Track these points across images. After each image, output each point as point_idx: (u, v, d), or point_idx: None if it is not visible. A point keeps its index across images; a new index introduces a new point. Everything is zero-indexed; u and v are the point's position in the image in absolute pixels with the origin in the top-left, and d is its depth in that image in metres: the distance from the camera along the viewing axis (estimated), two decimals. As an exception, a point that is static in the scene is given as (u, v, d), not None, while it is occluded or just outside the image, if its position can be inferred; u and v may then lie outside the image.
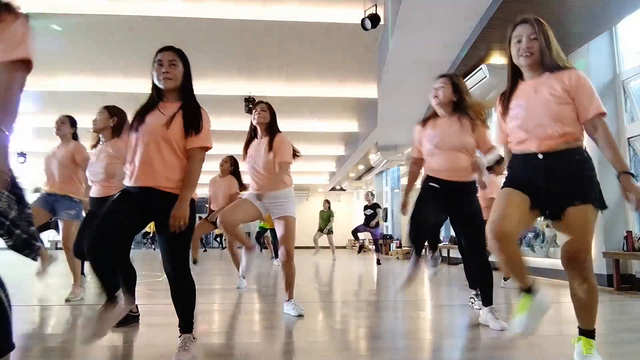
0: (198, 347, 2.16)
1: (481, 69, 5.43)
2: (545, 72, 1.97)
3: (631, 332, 2.88)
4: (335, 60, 7.43)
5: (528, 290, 1.90)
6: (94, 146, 3.29)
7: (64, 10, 5.84)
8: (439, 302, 4.13)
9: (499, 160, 4.22)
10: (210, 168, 5.64)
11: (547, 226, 6.20)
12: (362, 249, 14.23)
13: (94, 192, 3.21)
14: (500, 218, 1.83)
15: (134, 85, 8.05)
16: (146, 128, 2.09)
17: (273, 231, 9.27)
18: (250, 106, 8.94)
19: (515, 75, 2.06)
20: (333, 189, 20.25)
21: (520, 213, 1.88)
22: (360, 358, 2.30)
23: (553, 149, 1.88)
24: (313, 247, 10.87)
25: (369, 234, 10.15)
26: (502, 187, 1.98)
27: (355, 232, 9.92)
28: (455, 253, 8.91)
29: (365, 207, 9.56)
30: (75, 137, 4.09)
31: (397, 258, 11.62)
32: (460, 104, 2.81)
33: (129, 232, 2.11)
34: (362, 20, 5.54)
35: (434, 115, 2.91)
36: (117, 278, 2.09)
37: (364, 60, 7.30)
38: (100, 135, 3.24)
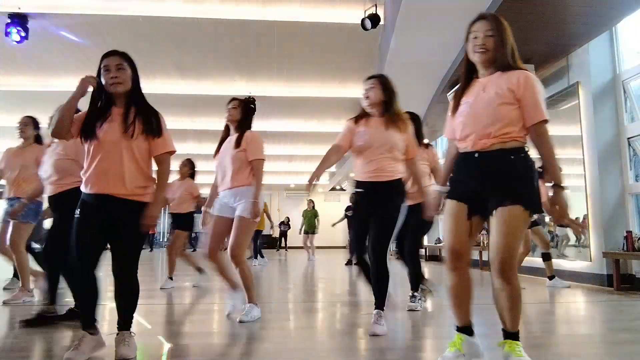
0: (190, 348, 2.16)
1: (481, 69, 5.43)
2: (497, 70, 1.95)
3: (631, 332, 2.87)
4: (335, 60, 7.43)
5: (464, 329, 1.93)
6: (49, 145, 3.28)
7: (64, 10, 5.84)
8: (439, 302, 4.13)
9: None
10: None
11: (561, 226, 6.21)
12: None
13: (48, 191, 3.13)
14: (454, 240, 1.90)
15: (134, 85, 8.02)
16: (105, 136, 2.09)
17: (257, 232, 9.28)
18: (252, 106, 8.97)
19: (470, 72, 2.05)
20: (333, 189, 20.25)
21: (467, 228, 1.92)
22: (360, 358, 2.30)
23: (488, 149, 1.88)
24: (316, 248, 10.84)
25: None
26: (447, 197, 2.01)
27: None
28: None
29: (348, 208, 9.52)
30: (38, 138, 4.04)
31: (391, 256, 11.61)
32: (390, 104, 2.85)
33: (101, 250, 2.16)
34: (362, 20, 5.53)
35: (365, 114, 2.90)
36: (97, 303, 2.15)
37: (364, 60, 7.30)
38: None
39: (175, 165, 5.54)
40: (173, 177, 5.35)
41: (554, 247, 6.22)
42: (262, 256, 9.36)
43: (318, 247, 11.40)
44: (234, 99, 3.27)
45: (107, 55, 2.21)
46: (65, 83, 8.07)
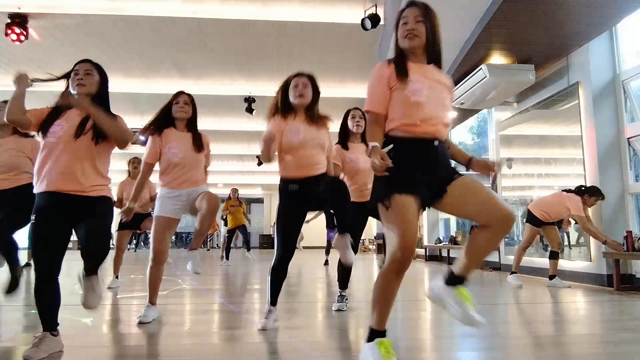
0: (186, 348, 2.16)
1: (481, 69, 5.43)
2: (431, 63, 1.98)
3: (631, 332, 2.87)
4: (335, 60, 7.43)
5: (384, 333, 1.85)
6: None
7: (64, 10, 5.84)
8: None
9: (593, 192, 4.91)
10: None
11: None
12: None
13: (2, 185, 3.15)
14: (411, 239, 1.79)
15: (134, 85, 8.06)
16: (62, 135, 2.17)
17: (231, 232, 9.48)
18: (253, 107, 8.97)
19: (402, 56, 1.98)
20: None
21: (417, 226, 1.90)
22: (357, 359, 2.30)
23: (443, 137, 1.93)
24: (316, 247, 10.88)
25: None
26: (393, 189, 1.80)
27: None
28: (455, 253, 8.92)
29: None
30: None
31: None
32: (315, 103, 2.91)
33: (62, 254, 2.18)
34: (362, 20, 5.54)
35: (290, 109, 2.87)
36: (58, 307, 2.17)
37: (364, 60, 7.30)
38: None
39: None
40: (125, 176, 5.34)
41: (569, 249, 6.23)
42: (227, 258, 9.32)
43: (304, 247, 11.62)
44: (182, 92, 3.17)
45: (79, 62, 2.35)
46: (65, 83, 8.07)
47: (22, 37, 5.85)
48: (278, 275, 2.83)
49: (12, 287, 3.11)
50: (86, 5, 5.80)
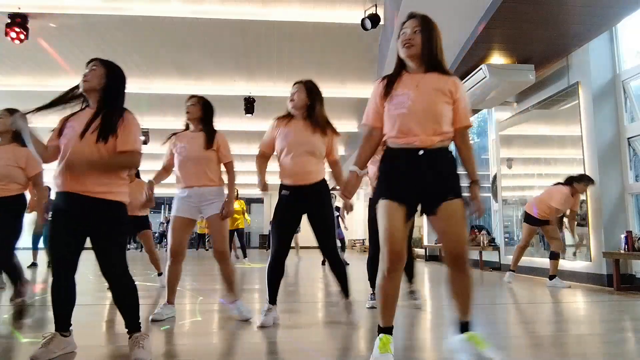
0: (187, 348, 2.16)
1: (481, 69, 5.43)
2: (430, 71, 2.00)
3: (631, 332, 2.88)
4: (335, 60, 7.43)
5: (389, 330, 1.97)
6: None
7: (64, 10, 5.84)
8: (439, 302, 4.13)
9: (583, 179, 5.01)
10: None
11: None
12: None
13: None
14: (397, 243, 1.88)
15: (134, 85, 8.05)
16: (72, 135, 2.13)
17: (230, 232, 9.37)
18: (249, 106, 8.97)
19: (401, 67, 2.06)
20: (333, 188, 20.20)
21: (406, 230, 1.94)
22: (359, 358, 2.30)
23: (433, 146, 1.93)
24: (313, 247, 10.93)
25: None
26: (381, 195, 1.96)
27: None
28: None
29: (337, 209, 9.59)
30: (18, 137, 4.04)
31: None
32: (313, 108, 2.91)
33: (78, 250, 2.15)
34: (362, 20, 5.53)
35: (288, 115, 2.97)
36: (72, 307, 2.16)
37: (364, 60, 7.30)
38: None
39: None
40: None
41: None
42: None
43: (301, 247, 11.68)
44: (193, 95, 3.22)
45: (88, 62, 2.29)
46: (65, 83, 8.05)
47: (22, 37, 5.85)
48: (275, 272, 2.87)
49: (20, 314, 3.02)
50: (86, 5, 5.80)
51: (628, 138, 5.19)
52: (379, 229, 1.94)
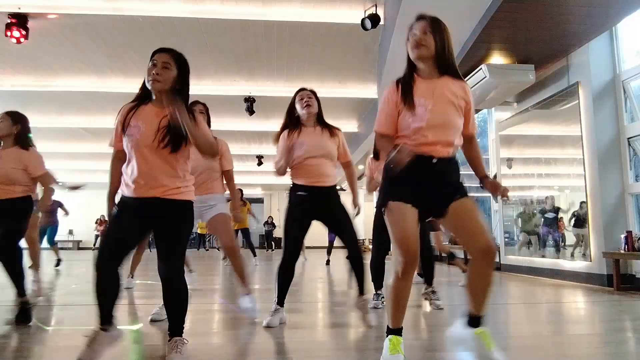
0: (188, 348, 2.16)
1: (481, 69, 5.43)
2: (443, 75, 1.99)
3: (631, 332, 2.88)
4: (335, 60, 7.43)
5: (399, 331, 1.97)
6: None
7: (64, 10, 5.84)
8: (443, 301, 4.12)
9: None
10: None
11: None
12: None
13: None
14: (411, 243, 1.88)
15: (134, 85, 8.01)
16: (139, 137, 2.04)
17: (243, 231, 9.33)
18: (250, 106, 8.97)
19: (411, 69, 2.04)
20: (340, 188, 20.23)
21: (417, 230, 1.94)
22: (360, 358, 2.30)
23: (446, 156, 1.95)
24: (317, 247, 10.90)
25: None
26: (390, 198, 1.94)
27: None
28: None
29: None
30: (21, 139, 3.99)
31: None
32: (321, 117, 3.03)
33: (131, 246, 2.09)
34: (362, 20, 5.54)
35: (297, 125, 2.99)
36: (117, 299, 2.06)
37: (364, 60, 7.30)
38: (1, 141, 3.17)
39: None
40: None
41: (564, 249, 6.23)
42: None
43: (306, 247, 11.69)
44: (197, 102, 3.27)
45: (158, 51, 2.17)
46: (65, 83, 8.08)
47: (22, 37, 5.85)
48: (285, 274, 2.89)
49: (24, 317, 2.97)
50: (86, 5, 5.80)
51: (628, 138, 5.18)
52: (391, 231, 1.92)
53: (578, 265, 5.59)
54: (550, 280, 5.63)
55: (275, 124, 10.53)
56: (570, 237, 5.86)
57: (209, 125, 3.16)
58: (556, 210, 6.24)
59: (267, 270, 7.82)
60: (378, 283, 3.68)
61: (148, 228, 2.11)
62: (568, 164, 6.04)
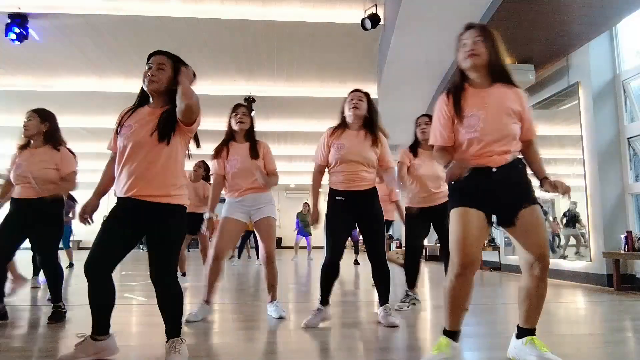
0: (188, 348, 2.16)
1: (481, 69, 5.43)
2: (496, 82, 1.98)
3: (631, 332, 2.88)
4: (335, 60, 7.42)
5: (451, 334, 1.97)
6: (23, 147, 3.17)
7: (64, 10, 5.84)
8: (439, 302, 4.13)
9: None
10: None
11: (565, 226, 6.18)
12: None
13: (17, 194, 3.08)
14: (471, 247, 1.88)
15: (134, 85, 8.01)
16: (134, 137, 2.06)
17: (247, 232, 9.44)
18: (250, 106, 8.97)
19: (462, 79, 2.04)
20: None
21: (482, 235, 1.94)
22: (360, 358, 2.30)
23: (505, 163, 1.94)
24: (318, 247, 10.93)
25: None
26: (455, 205, 1.96)
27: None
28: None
29: None
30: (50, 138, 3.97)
31: (397, 257, 11.63)
32: (370, 121, 2.99)
33: (125, 250, 2.10)
34: (362, 20, 5.53)
35: (342, 125, 3.02)
36: (112, 306, 2.09)
37: (364, 60, 7.30)
38: (31, 140, 3.15)
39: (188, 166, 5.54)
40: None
41: (558, 249, 6.24)
42: (238, 257, 9.68)
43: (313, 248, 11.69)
44: (240, 104, 3.33)
45: (154, 53, 2.19)
46: (65, 83, 8.07)
47: (22, 37, 5.85)
48: (328, 274, 2.92)
49: (58, 316, 3.02)
50: (86, 5, 5.80)
51: (628, 138, 5.19)
52: (451, 233, 1.93)
53: (578, 265, 5.60)
54: (550, 280, 5.62)
55: (275, 123, 10.56)
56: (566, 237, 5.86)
57: (252, 125, 3.30)
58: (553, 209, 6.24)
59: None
60: (410, 283, 3.67)
61: (139, 234, 2.11)
62: (568, 164, 6.04)
